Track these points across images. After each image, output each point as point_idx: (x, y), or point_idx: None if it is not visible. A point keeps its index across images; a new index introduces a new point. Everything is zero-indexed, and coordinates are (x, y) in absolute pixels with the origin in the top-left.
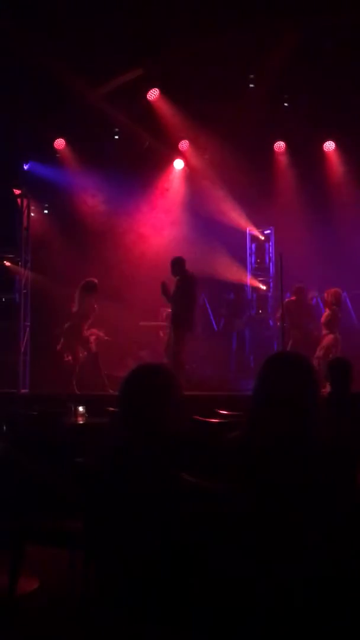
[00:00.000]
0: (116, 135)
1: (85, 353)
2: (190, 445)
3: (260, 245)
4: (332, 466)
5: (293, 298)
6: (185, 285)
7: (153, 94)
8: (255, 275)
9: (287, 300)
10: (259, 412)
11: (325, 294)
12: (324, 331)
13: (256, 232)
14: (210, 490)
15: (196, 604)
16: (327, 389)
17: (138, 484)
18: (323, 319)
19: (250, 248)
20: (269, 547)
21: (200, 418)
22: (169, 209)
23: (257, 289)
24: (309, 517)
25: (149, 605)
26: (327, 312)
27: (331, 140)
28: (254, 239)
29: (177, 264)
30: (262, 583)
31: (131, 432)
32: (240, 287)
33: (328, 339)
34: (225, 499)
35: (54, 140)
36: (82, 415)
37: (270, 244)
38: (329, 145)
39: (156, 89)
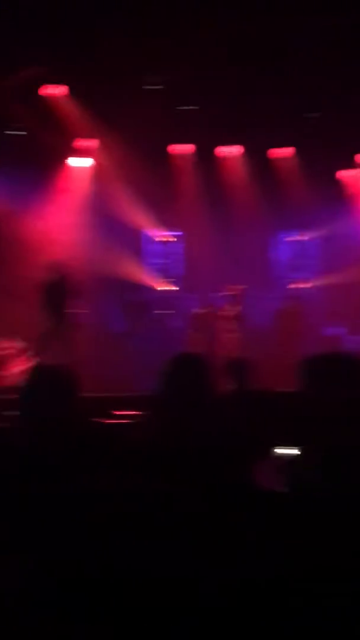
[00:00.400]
0: (15, 131)
1: None
2: (91, 446)
3: (164, 247)
4: (228, 462)
5: (206, 309)
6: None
7: (53, 90)
8: (161, 276)
9: (201, 310)
10: (163, 412)
11: (229, 293)
12: (228, 330)
13: (160, 233)
14: (118, 491)
15: (120, 605)
16: (230, 387)
17: (42, 487)
18: (226, 317)
19: (155, 249)
20: (186, 545)
21: (101, 420)
22: (71, 208)
23: (161, 290)
24: (215, 513)
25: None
26: (229, 311)
27: (232, 144)
28: (158, 240)
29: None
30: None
31: (32, 435)
32: (143, 288)
33: (230, 338)
34: (134, 499)
35: None
36: None
37: (175, 245)
38: (230, 150)
39: (56, 85)
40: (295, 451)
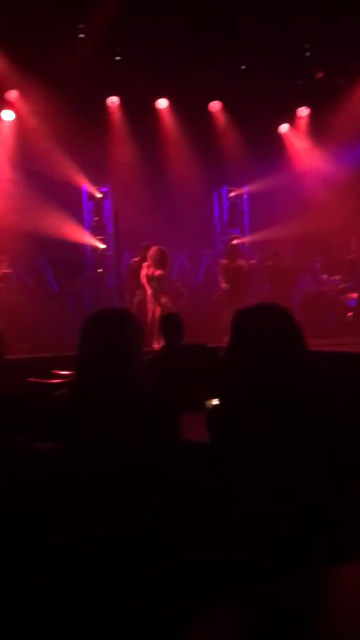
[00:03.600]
0: None
1: None
2: (22, 406)
3: (97, 203)
4: (151, 416)
5: (137, 259)
6: None
7: None
8: (93, 233)
9: (132, 260)
10: (82, 369)
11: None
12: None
13: (92, 189)
14: (35, 451)
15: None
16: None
17: None
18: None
19: (87, 206)
20: (102, 503)
21: (36, 379)
22: None
23: (95, 248)
24: (139, 469)
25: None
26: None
27: (164, 97)
28: (90, 196)
29: None
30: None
31: None
32: (77, 246)
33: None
34: (52, 458)
35: None
36: None
37: (107, 201)
38: (162, 102)
39: None
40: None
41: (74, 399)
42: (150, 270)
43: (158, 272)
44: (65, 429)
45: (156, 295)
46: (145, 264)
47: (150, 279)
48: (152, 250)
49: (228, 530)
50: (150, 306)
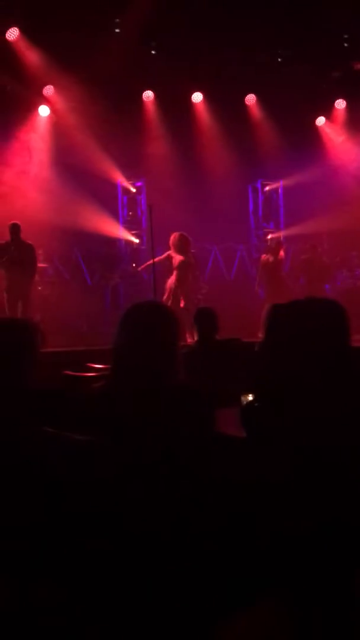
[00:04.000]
0: None
1: None
2: (59, 399)
3: (131, 198)
4: (187, 411)
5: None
6: None
7: (12, 34)
8: (128, 228)
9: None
10: (120, 363)
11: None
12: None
13: (127, 184)
14: (73, 442)
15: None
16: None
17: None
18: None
19: (122, 200)
20: (139, 496)
21: (72, 372)
22: (34, 158)
23: (129, 242)
24: (171, 460)
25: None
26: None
27: (199, 91)
28: (125, 191)
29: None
30: (133, 532)
31: None
32: (112, 241)
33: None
34: (90, 450)
35: None
36: None
37: (142, 196)
38: (197, 97)
39: (15, 28)
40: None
41: (110, 392)
42: (174, 257)
43: (180, 258)
44: (102, 421)
45: (179, 283)
46: (169, 253)
47: (173, 266)
48: (173, 237)
49: (267, 524)
50: (176, 295)
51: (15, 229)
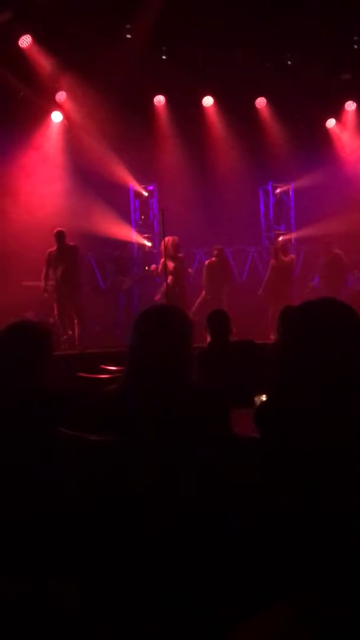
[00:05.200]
0: None
1: None
2: (73, 401)
3: (143, 202)
4: (203, 412)
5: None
6: None
7: (25, 41)
8: (140, 231)
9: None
10: (135, 365)
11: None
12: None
13: (139, 188)
14: (88, 442)
15: (96, 560)
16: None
17: (14, 442)
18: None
19: (134, 204)
20: (156, 496)
21: (86, 374)
22: (47, 163)
23: (142, 246)
24: (186, 461)
25: (34, 565)
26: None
27: (210, 95)
28: (137, 194)
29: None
30: (154, 531)
31: (5, 388)
32: (125, 244)
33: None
34: (105, 450)
35: None
36: None
37: (154, 199)
38: (208, 101)
39: (28, 35)
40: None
41: (125, 393)
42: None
43: (172, 264)
44: (117, 422)
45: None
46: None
47: (168, 271)
48: (167, 241)
49: (282, 524)
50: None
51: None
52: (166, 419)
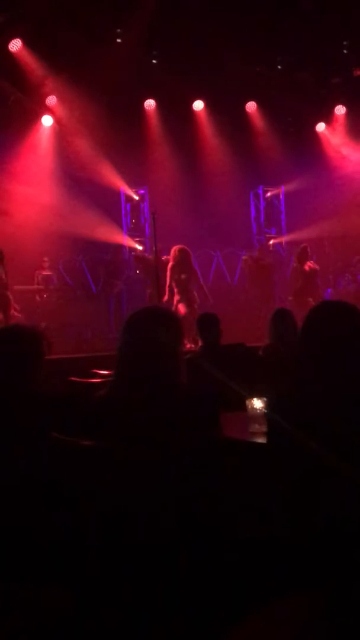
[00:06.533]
0: None
1: None
2: (64, 405)
3: (134, 205)
4: (193, 415)
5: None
6: None
7: (15, 45)
8: (131, 235)
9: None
10: (124, 368)
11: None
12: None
13: (130, 192)
14: (79, 447)
15: (92, 565)
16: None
17: (8, 446)
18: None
19: (125, 208)
20: (148, 500)
21: (77, 379)
22: (38, 167)
23: (133, 249)
24: (177, 465)
25: (27, 571)
26: None
27: (200, 99)
28: (128, 198)
29: None
30: (147, 536)
31: None
32: (116, 248)
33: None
34: (94, 455)
35: None
36: None
37: (145, 203)
38: (198, 105)
39: (18, 39)
40: (261, 403)
41: (115, 397)
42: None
43: (183, 275)
44: (108, 426)
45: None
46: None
47: (178, 281)
48: (175, 251)
49: (284, 525)
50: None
51: None
52: (156, 422)
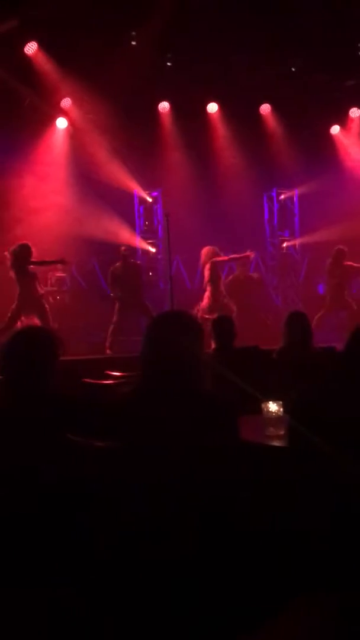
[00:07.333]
0: None
1: None
2: (80, 407)
3: (147, 208)
4: (217, 417)
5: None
6: None
7: (31, 48)
8: (144, 237)
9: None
10: (148, 370)
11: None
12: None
13: (143, 194)
14: (97, 449)
15: (102, 566)
16: (212, 346)
17: (24, 447)
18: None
19: (138, 210)
20: (167, 501)
21: (91, 380)
22: (52, 168)
23: (146, 252)
24: (199, 469)
25: (47, 573)
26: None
27: (214, 101)
28: (141, 200)
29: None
30: (161, 538)
31: (15, 395)
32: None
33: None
34: (115, 456)
35: None
36: None
37: (158, 205)
38: (212, 107)
39: (34, 42)
40: (276, 406)
41: (137, 399)
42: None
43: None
44: (130, 427)
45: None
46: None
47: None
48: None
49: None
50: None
51: None
52: (179, 424)
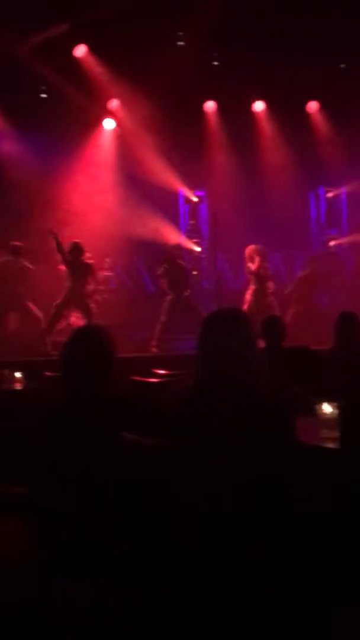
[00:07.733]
0: (43, 93)
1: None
2: (131, 405)
3: (193, 207)
4: (274, 418)
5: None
6: None
7: (80, 51)
8: (189, 236)
9: None
10: (203, 369)
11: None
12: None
13: (188, 193)
14: (153, 448)
15: (148, 566)
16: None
17: (79, 446)
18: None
19: (184, 209)
20: (215, 500)
21: (139, 378)
22: (100, 169)
23: (191, 251)
24: (252, 469)
25: (100, 569)
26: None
27: (261, 100)
28: (187, 200)
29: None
30: (215, 539)
31: (71, 394)
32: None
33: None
34: (170, 455)
35: None
36: (18, 381)
37: (203, 205)
38: (259, 106)
39: (83, 44)
40: (331, 408)
41: (193, 399)
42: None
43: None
44: (187, 426)
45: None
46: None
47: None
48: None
49: None
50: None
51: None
52: (236, 425)
